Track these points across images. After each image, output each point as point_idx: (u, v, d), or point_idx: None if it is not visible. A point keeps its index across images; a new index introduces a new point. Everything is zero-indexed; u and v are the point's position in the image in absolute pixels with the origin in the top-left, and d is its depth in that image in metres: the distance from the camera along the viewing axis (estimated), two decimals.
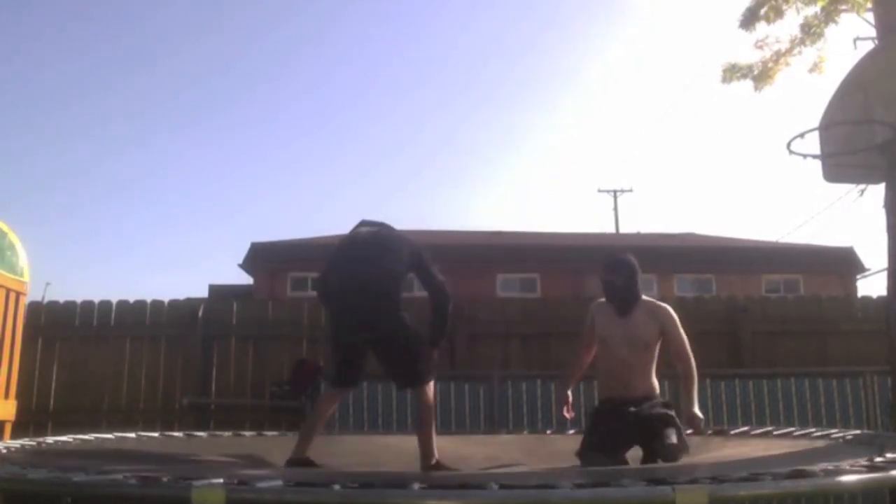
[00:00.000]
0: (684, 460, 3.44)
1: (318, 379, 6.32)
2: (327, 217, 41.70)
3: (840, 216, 49.82)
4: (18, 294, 5.67)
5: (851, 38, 7.04)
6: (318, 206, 42.20)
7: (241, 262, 16.72)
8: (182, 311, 6.82)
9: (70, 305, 6.81)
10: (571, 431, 5.43)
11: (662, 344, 3.85)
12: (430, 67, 44.20)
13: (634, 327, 3.78)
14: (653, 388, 3.79)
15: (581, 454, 3.59)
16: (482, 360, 6.69)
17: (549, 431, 5.54)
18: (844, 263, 16.59)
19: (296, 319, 6.92)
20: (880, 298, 6.66)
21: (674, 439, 3.48)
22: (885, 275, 5.76)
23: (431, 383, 3.64)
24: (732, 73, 7.64)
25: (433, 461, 3.44)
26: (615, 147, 46.11)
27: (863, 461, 2.48)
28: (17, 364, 5.68)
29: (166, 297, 6.94)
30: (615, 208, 25.80)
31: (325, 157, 42.65)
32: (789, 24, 7.38)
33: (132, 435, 4.60)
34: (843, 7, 6.95)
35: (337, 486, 2.06)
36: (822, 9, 7.10)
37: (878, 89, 5.62)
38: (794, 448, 3.74)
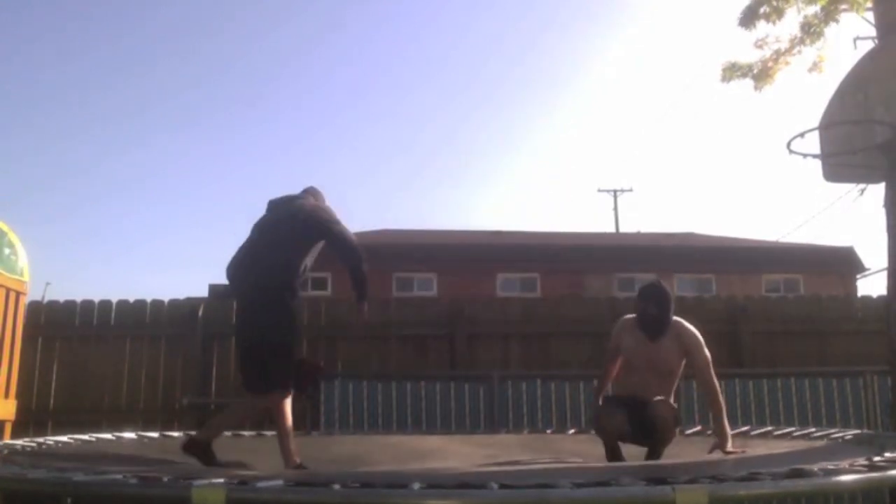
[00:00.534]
0: (683, 458, 3.44)
1: (318, 379, 6.32)
2: None
3: (840, 216, 49.85)
4: (18, 294, 5.67)
5: (851, 37, 7.04)
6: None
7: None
8: (182, 311, 6.82)
9: (70, 305, 6.81)
10: (571, 431, 5.44)
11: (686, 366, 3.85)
12: (429, 68, 44.22)
13: (660, 354, 3.83)
14: None
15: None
16: (482, 360, 6.70)
17: (549, 431, 5.55)
18: (844, 263, 16.60)
19: None
20: (880, 298, 6.66)
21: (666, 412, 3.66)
22: (885, 274, 5.76)
23: (286, 398, 3.61)
24: (732, 72, 7.63)
25: (294, 464, 3.47)
26: (615, 147, 46.12)
27: (862, 461, 2.48)
28: (17, 364, 5.68)
29: (166, 297, 6.96)
30: (615, 208, 25.81)
31: (325, 158, 42.68)
32: (789, 23, 7.38)
33: (132, 435, 4.60)
34: (843, 6, 6.94)
35: (337, 486, 2.06)
36: (822, 8, 7.09)
37: (878, 89, 5.62)
38: (793, 448, 3.74)
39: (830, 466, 2.33)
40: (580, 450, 4.14)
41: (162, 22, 39.47)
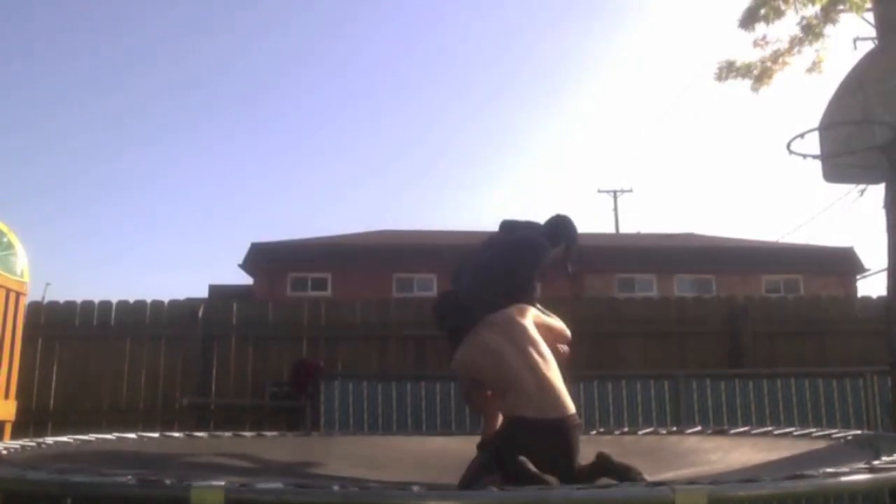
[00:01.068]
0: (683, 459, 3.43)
1: (318, 379, 6.33)
2: (328, 218, 41.73)
3: (840, 216, 49.81)
4: (18, 294, 5.67)
5: (851, 37, 7.04)
6: (319, 206, 42.23)
7: (241, 262, 16.75)
8: (182, 312, 6.83)
9: (70, 306, 6.82)
10: None
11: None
12: (431, 70, 44.24)
13: None
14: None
15: None
16: None
17: None
18: (844, 263, 16.61)
19: (296, 319, 6.93)
20: (880, 298, 6.66)
21: None
22: (885, 275, 5.76)
23: None
24: (728, 71, 7.64)
25: None
26: (615, 147, 46.13)
27: (862, 462, 2.48)
28: (17, 364, 5.67)
29: (166, 298, 6.96)
30: (615, 208, 25.83)
31: (326, 158, 42.68)
32: (788, 23, 7.39)
33: (132, 435, 4.60)
34: (842, 7, 6.95)
35: (336, 486, 2.06)
36: (822, 9, 7.10)
37: (878, 89, 5.62)
38: (793, 448, 3.74)
39: (831, 467, 2.33)
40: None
41: (163, 22, 39.50)
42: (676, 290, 15.99)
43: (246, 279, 17.02)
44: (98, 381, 6.61)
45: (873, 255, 17.57)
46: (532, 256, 3.57)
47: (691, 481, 2.13)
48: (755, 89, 7.57)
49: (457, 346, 3.31)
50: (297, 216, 42.23)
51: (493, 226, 4.18)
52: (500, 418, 3.15)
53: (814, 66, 7.47)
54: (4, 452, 3.27)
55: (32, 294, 6.21)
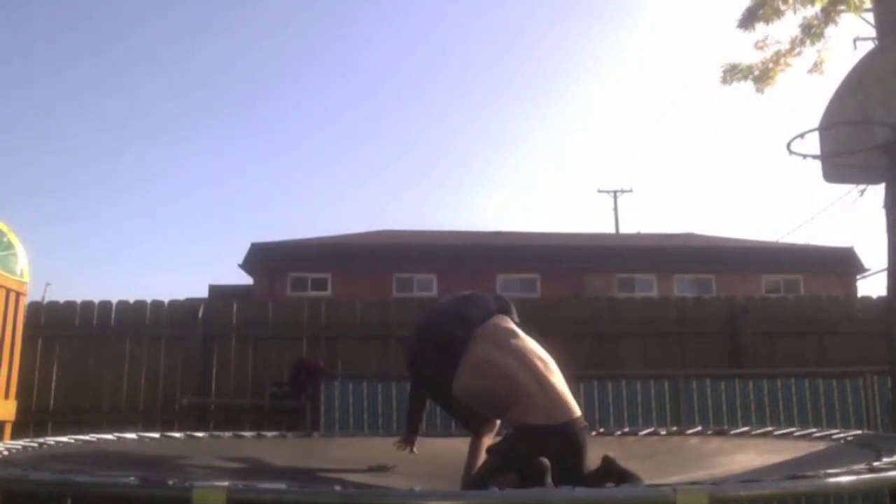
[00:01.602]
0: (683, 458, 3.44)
1: (318, 379, 6.33)
2: (328, 218, 41.69)
3: (840, 216, 49.75)
4: (18, 294, 5.67)
5: (851, 38, 7.04)
6: (319, 206, 42.22)
7: (241, 262, 16.76)
8: (182, 312, 6.83)
9: (70, 306, 6.82)
10: None
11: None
12: (430, 69, 44.23)
13: None
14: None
15: None
16: None
17: None
18: (844, 263, 16.62)
19: (296, 319, 6.93)
20: (880, 298, 6.66)
21: None
22: (885, 275, 5.76)
23: None
24: (732, 74, 7.65)
25: None
26: (615, 148, 46.13)
27: (863, 462, 2.48)
28: (17, 364, 5.67)
29: (166, 298, 6.96)
30: (615, 208, 25.84)
31: (327, 158, 42.67)
32: (789, 24, 7.39)
33: (132, 435, 4.60)
34: (842, 7, 6.95)
35: (337, 487, 2.06)
36: (822, 9, 7.10)
37: (878, 89, 5.62)
38: (794, 449, 3.74)
39: (831, 468, 2.33)
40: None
41: (162, 23, 39.48)
42: (676, 290, 16.00)
43: (246, 279, 17.04)
44: (98, 381, 6.61)
45: (873, 255, 17.57)
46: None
47: (692, 481, 2.13)
48: (760, 90, 7.57)
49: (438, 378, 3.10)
50: (297, 216, 42.21)
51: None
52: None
53: (815, 67, 7.47)
54: (5, 452, 3.27)
55: (32, 294, 6.22)
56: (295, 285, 16.49)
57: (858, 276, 16.76)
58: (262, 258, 16.54)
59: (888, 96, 5.52)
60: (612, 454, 2.76)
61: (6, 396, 5.52)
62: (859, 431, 4.51)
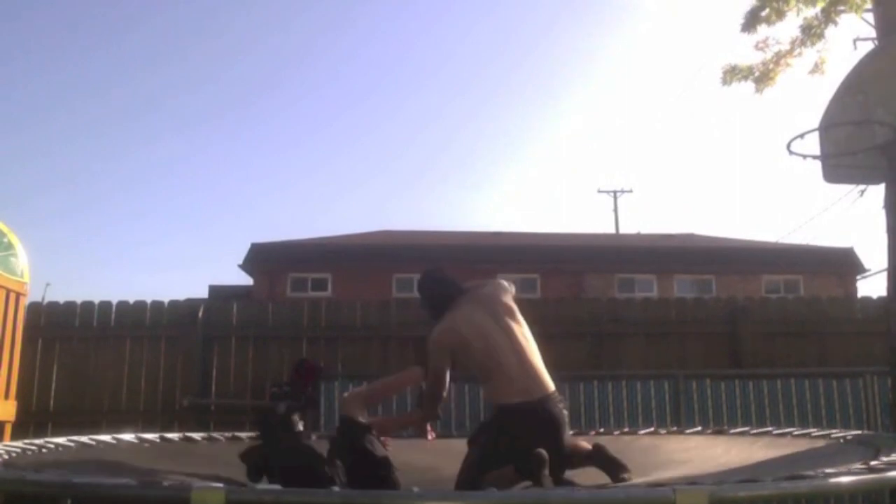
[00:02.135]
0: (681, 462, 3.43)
1: (318, 379, 6.33)
2: (328, 218, 41.73)
3: (840, 217, 49.74)
4: (18, 295, 5.68)
5: (851, 38, 7.05)
6: (319, 207, 42.23)
7: (241, 262, 16.75)
8: (182, 312, 6.82)
9: (70, 306, 6.81)
10: (571, 432, 5.43)
11: None
12: (430, 69, 44.24)
13: None
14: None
15: None
16: None
17: None
18: (844, 264, 16.62)
19: (296, 320, 6.93)
20: (880, 299, 6.67)
21: None
22: (885, 275, 5.76)
23: None
24: (733, 74, 7.64)
25: None
26: (615, 148, 46.14)
27: (862, 462, 2.48)
28: (17, 365, 5.68)
29: (166, 298, 6.96)
30: (615, 209, 25.82)
31: (326, 158, 42.70)
32: (789, 25, 7.39)
33: (132, 436, 4.60)
34: (842, 8, 6.95)
35: (336, 487, 2.06)
36: (822, 10, 7.10)
37: (878, 90, 5.62)
38: (793, 449, 3.73)
39: (830, 468, 2.33)
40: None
41: (162, 23, 39.50)
42: (676, 290, 16.00)
43: (246, 279, 17.04)
44: (98, 381, 6.60)
45: (873, 256, 17.59)
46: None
47: (692, 482, 2.13)
48: (759, 91, 7.57)
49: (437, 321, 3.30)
50: (297, 216, 42.24)
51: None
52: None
53: (816, 68, 7.47)
54: (4, 454, 3.27)
55: (32, 294, 6.22)
56: (295, 286, 16.49)
57: (858, 277, 16.76)
58: (262, 258, 16.54)
59: (888, 96, 5.51)
60: (601, 445, 2.87)
61: (6, 397, 5.52)
62: (859, 431, 4.51)
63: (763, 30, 7.41)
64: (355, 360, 6.76)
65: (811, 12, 7.16)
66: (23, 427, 5.74)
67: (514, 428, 3.00)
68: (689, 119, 44.86)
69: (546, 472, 2.71)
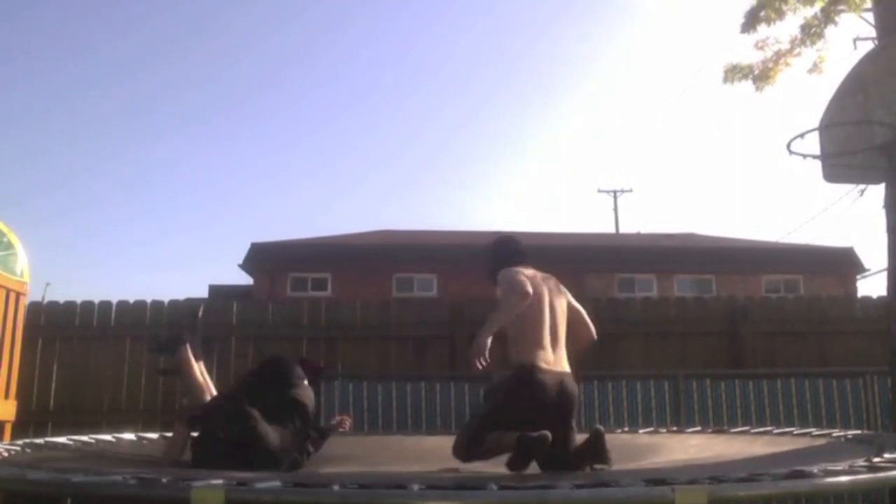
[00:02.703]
0: (683, 461, 3.43)
1: (318, 379, 6.32)
2: (328, 218, 41.73)
3: (840, 217, 49.75)
4: (18, 294, 5.68)
5: (851, 38, 7.06)
6: (319, 207, 42.23)
7: (241, 262, 16.74)
8: (182, 312, 6.81)
9: (70, 306, 6.81)
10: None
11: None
12: (430, 69, 44.24)
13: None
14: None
15: None
16: None
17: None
18: (844, 264, 16.60)
19: (296, 320, 6.92)
20: (880, 299, 6.66)
21: None
22: (885, 275, 5.76)
23: None
24: (734, 73, 7.65)
25: None
26: (615, 148, 46.13)
27: (862, 461, 2.48)
28: (17, 364, 5.68)
29: (166, 298, 6.95)
30: (615, 209, 25.80)
31: (326, 158, 42.70)
32: (789, 24, 7.40)
33: (132, 436, 4.60)
34: (842, 7, 6.95)
35: (336, 487, 2.06)
36: (822, 10, 7.10)
37: (878, 90, 5.62)
38: (793, 448, 3.74)
39: (830, 467, 2.32)
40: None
41: (162, 23, 39.50)
42: (676, 290, 15.99)
43: (246, 279, 17.03)
44: (98, 381, 6.60)
45: (873, 256, 17.58)
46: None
47: (691, 481, 2.13)
48: (759, 89, 7.57)
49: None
50: (297, 216, 42.24)
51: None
52: None
53: (815, 67, 7.48)
54: (5, 453, 3.27)
55: (32, 294, 6.22)
56: (295, 285, 16.49)
57: (858, 276, 16.75)
58: (262, 258, 16.53)
59: (888, 96, 5.51)
60: (602, 429, 3.32)
61: (6, 396, 5.52)
62: (859, 431, 4.51)
63: (763, 29, 7.42)
64: (355, 360, 6.76)
65: (811, 12, 7.17)
66: (23, 427, 5.74)
67: (532, 387, 3.39)
68: (689, 119, 44.89)
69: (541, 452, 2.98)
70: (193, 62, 41.19)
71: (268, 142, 39.64)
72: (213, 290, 15.73)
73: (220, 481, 2.08)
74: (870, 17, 6.64)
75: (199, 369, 4.07)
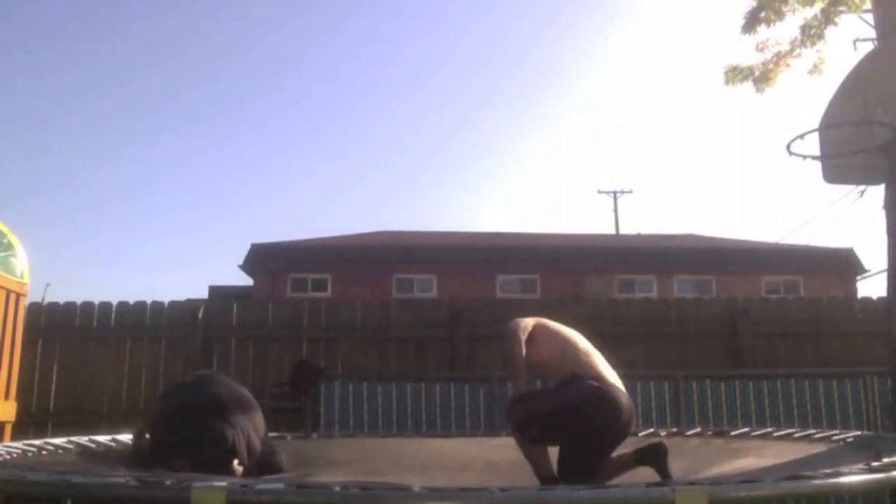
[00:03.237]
0: (682, 462, 3.43)
1: (318, 380, 6.33)
2: (328, 219, 41.71)
3: (840, 217, 49.76)
4: (18, 295, 5.67)
5: (851, 39, 7.05)
6: (319, 207, 42.22)
7: (241, 263, 16.75)
8: (182, 313, 6.82)
9: (70, 306, 6.81)
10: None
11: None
12: (429, 69, 44.23)
13: None
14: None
15: None
16: (482, 361, 6.70)
17: None
18: (844, 264, 16.61)
19: (296, 321, 6.93)
20: (880, 299, 6.66)
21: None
22: (885, 276, 5.76)
23: None
24: (734, 75, 7.66)
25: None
26: (615, 148, 46.13)
27: (862, 463, 2.48)
28: (17, 365, 5.67)
29: (166, 298, 6.96)
30: (615, 209, 25.78)
31: (326, 159, 42.68)
32: (789, 25, 7.40)
33: (132, 436, 4.59)
34: (842, 8, 6.96)
35: (336, 487, 2.06)
36: (822, 11, 7.11)
37: (878, 90, 5.62)
38: (794, 449, 3.73)
39: (830, 468, 2.33)
40: None
41: (161, 23, 39.49)
42: (676, 291, 15.99)
43: (246, 280, 17.03)
44: (98, 382, 6.60)
45: (873, 256, 17.57)
46: None
47: (691, 482, 2.13)
48: (759, 91, 7.58)
49: None
50: (297, 216, 42.22)
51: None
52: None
53: (815, 68, 7.48)
54: (5, 454, 3.27)
55: (32, 295, 6.21)
56: (295, 286, 16.49)
57: (858, 277, 16.75)
58: (262, 259, 16.54)
59: (888, 96, 5.51)
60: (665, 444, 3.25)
61: (6, 397, 5.51)
62: (859, 432, 4.51)
63: (763, 31, 7.43)
64: (355, 360, 6.76)
65: (810, 13, 7.18)
66: (23, 427, 5.73)
67: (579, 392, 3.23)
68: (689, 119, 44.90)
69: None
70: (193, 62, 41.20)
71: (268, 142, 39.63)
72: (213, 290, 15.74)
73: (221, 483, 2.08)
74: (870, 17, 6.64)
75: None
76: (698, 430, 5.03)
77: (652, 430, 5.22)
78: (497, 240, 17.99)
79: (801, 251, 17.07)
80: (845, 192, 10.94)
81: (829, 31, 7.20)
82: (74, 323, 6.74)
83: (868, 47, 6.47)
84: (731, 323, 6.97)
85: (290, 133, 40.49)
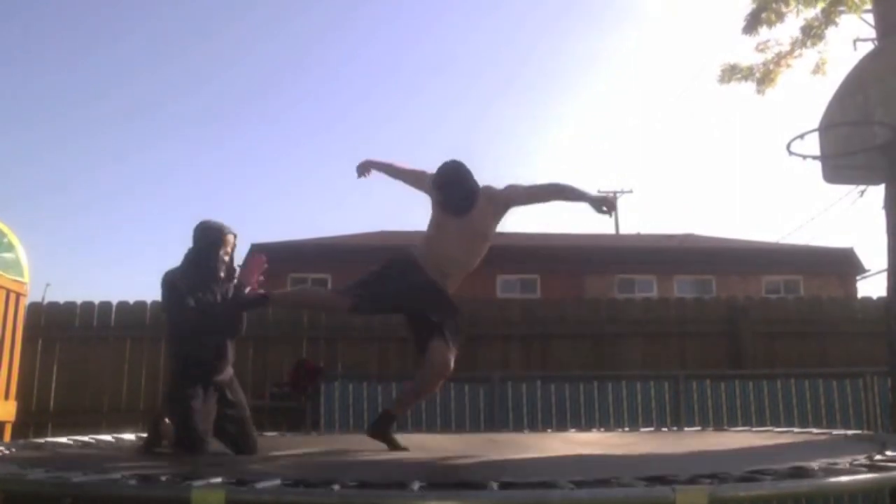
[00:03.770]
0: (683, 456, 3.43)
1: (319, 379, 6.33)
2: (327, 219, 41.73)
3: (840, 217, 49.76)
4: (18, 295, 5.67)
5: (852, 39, 7.06)
6: (319, 207, 42.24)
7: (240, 263, 16.73)
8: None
9: (70, 306, 6.81)
10: (572, 430, 5.44)
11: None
12: (430, 70, 44.23)
13: (472, 224, 3.83)
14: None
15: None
16: (482, 361, 6.70)
17: (548, 431, 5.55)
18: (844, 264, 16.60)
19: (296, 320, 6.93)
20: (880, 299, 6.66)
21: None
22: (885, 276, 5.77)
23: None
24: (731, 74, 7.66)
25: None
26: (615, 147, 46.13)
27: (862, 462, 2.48)
28: (17, 365, 5.68)
29: None
30: (615, 209, 25.77)
31: (325, 159, 42.68)
32: (790, 26, 7.41)
33: (132, 436, 4.60)
34: (842, 8, 6.96)
35: (336, 486, 2.06)
36: (822, 11, 7.12)
37: (878, 90, 5.62)
38: (793, 449, 3.73)
39: (831, 467, 2.32)
40: (580, 450, 4.13)
41: (162, 25, 39.52)
42: (676, 291, 15.98)
43: None
44: (98, 381, 6.60)
45: (873, 256, 17.57)
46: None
47: (692, 480, 2.13)
48: (760, 91, 7.58)
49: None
50: (297, 217, 42.22)
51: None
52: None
53: (816, 68, 7.49)
54: (5, 453, 3.27)
55: (32, 295, 6.22)
56: (295, 286, 16.48)
57: (858, 277, 16.74)
58: None
59: (888, 97, 5.52)
60: None
61: (6, 397, 5.51)
62: (859, 432, 4.51)
63: (764, 31, 7.44)
64: (355, 360, 6.76)
65: (811, 13, 7.19)
66: (23, 427, 5.74)
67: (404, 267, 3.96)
68: (690, 119, 44.87)
69: None
70: (194, 63, 41.22)
71: (268, 142, 39.64)
72: None
73: (220, 480, 2.08)
74: (870, 17, 6.65)
75: None
76: (698, 428, 5.04)
77: (652, 429, 5.23)
78: (497, 239, 17.88)
79: (801, 251, 17.06)
80: (845, 192, 10.95)
81: (830, 32, 7.22)
82: (74, 323, 6.74)
83: (868, 47, 6.48)
84: (730, 323, 6.97)
85: (290, 133, 40.52)
